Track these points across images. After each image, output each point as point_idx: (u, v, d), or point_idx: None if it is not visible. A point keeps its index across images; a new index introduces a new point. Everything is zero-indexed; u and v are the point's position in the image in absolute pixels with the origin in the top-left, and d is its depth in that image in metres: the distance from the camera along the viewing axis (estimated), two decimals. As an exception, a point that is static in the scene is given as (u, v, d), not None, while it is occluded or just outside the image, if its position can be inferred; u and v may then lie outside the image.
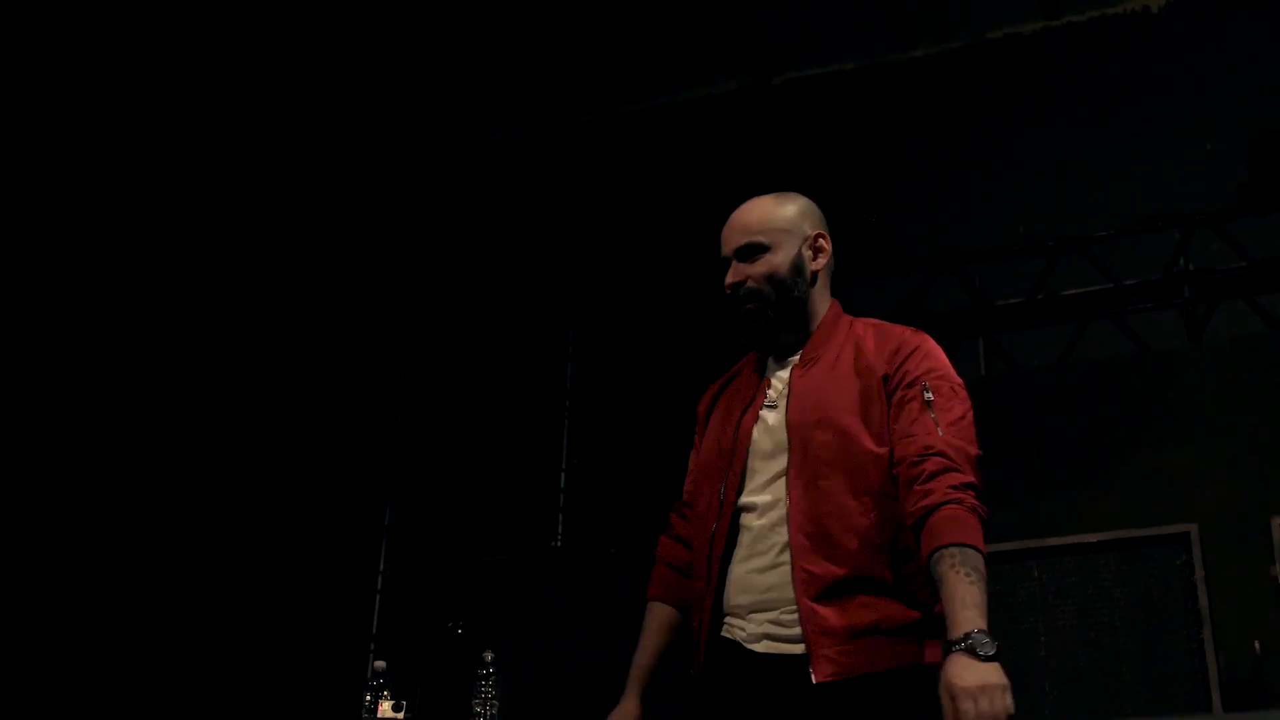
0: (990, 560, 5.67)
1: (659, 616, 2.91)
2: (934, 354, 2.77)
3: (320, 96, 6.38)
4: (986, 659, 2.37)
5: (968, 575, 2.47)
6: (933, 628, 2.56)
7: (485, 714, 4.15)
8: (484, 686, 4.19)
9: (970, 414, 2.69)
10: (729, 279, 2.84)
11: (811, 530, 2.64)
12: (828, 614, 2.58)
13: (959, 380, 2.74)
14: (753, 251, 2.84)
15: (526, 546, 6.55)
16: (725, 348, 6.80)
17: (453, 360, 7.43)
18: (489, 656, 4.23)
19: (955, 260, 6.70)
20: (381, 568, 7.24)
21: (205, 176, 6.59)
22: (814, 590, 2.60)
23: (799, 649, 2.60)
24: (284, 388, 7.22)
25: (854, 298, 6.88)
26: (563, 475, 7.17)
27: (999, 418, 6.32)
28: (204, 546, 6.87)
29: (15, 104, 5.92)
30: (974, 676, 2.36)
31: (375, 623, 7.10)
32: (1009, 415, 6.32)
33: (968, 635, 2.39)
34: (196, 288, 6.91)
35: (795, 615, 2.61)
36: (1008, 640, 5.36)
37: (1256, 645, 4.99)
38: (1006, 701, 2.34)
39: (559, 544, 6.89)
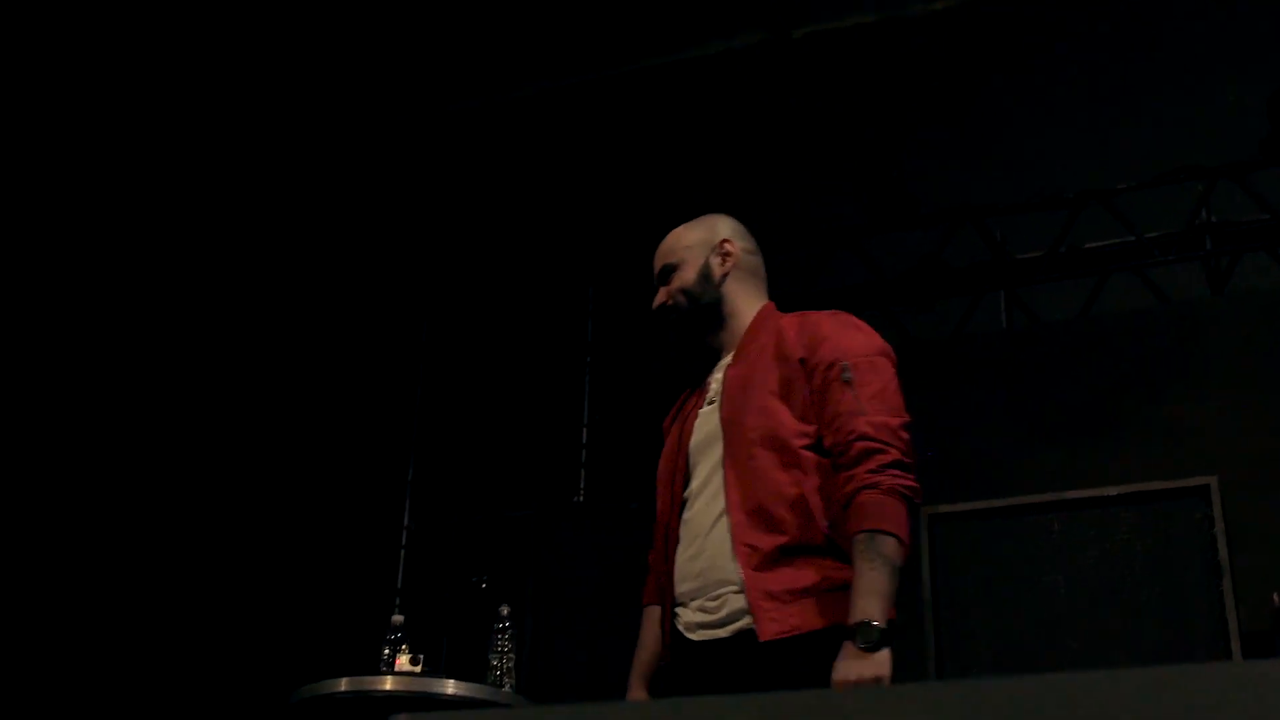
0: (1010, 514, 5.72)
1: (651, 617, 3.10)
2: (850, 333, 2.94)
3: (338, 54, 6.38)
4: (868, 648, 2.54)
5: (871, 562, 2.61)
6: (841, 594, 2.68)
7: (502, 667, 4.18)
8: (500, 640, 4.23)
9: (892, 382, 2.85)
10: (654, 302, 3.17)
11: (749, 507, 2.81)
12: (769, 579, 2.74)
13: (881, 349, 2.92)
14: (667, 273, 3.16)
15: (549, 501, 6.59)
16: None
17: (475, 316, 7.44)
18: (505, 610, 4.26)
19: (975, 214, 6.68)
20: (406, 523, 7.28)
21: (223, 133, 6.60)
22: (755, 561, 2.76)
23: (724, 633, 2.78)
24: (306, 345, 7.26)
25: (873, 252, 6.93)
26: (585, 431, 7.20)
27: (1020, 371, 6.32)
28: (228, 503, 6.93)
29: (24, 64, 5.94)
30: (852, 670, 2.53)
31: (400, 578, 7.15)
32: (1030, 369, 6.32)
33: (856, 624, 2.56)
34: (216, 247, 6.94)
35: (719, 600, 2.80)
36: (1029, 594, 5.42)
37: (1275, 597, 5.00)
38: None
39: (581, 499, 6.92)
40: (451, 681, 3.97)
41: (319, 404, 7.22)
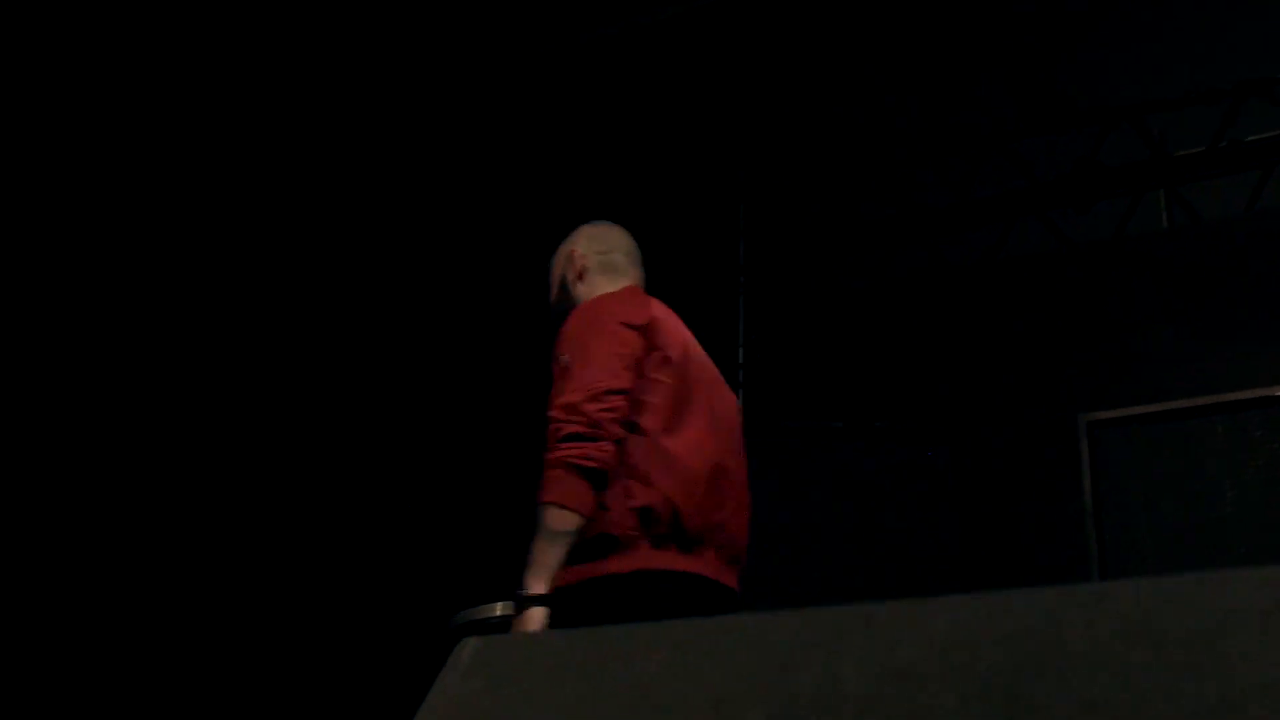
0: (1172, 418, 5.58)
1: None
2: (579, 320, 3.14)
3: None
4: (521, 610, 2.85)
5: (535, 534, 2.89)
6: (592, 550, 2.94)
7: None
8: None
9: (599, 355, 3.01)
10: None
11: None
12: None
13: (601, 323, 3.09)
14: (546, 293, 3.54)
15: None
16: (881, 223, 6.76)
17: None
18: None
19: (1131, 111, 6.50)
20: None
21: (365, 65, 6.69)
22: None
23: None
24: (456, 284, 7.36)
25: (1027, 156, 6.76)
26: (740, 351, 7.19)
27: (1182, 272, 6.16)
28: (397, 437, 7.09)
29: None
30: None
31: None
32: (1192, 269, 6.16)
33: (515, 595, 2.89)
34: (383, 179, 7.06)
35: None
36: (1193, 499, 5.29)
37: None
38: None
39: (739, 418, 6.92)
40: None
41: (475, 341, 7.32)
